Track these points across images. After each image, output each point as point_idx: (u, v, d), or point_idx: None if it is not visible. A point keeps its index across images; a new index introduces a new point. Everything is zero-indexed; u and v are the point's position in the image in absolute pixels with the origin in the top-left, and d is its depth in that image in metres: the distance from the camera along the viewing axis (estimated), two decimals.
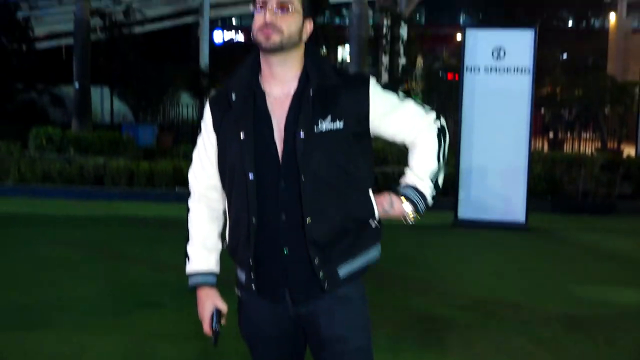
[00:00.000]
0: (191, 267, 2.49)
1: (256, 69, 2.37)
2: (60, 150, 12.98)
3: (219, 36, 42.76)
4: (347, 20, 29.75)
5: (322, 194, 2.29)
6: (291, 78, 2.34)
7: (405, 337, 5.09)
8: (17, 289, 6.09)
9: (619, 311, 5.95)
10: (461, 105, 9.63)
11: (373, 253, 2.45)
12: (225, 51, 40.62)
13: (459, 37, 41.97)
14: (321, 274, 2.31)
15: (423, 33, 25.76)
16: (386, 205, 2.40)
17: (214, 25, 37.00)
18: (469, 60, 9.57)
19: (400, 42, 22.78)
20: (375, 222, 2.41)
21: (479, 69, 9.52)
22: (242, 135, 2.29)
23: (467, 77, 9.57)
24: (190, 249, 2.50)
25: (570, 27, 53.52)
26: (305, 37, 2.34)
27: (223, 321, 2.47)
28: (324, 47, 23.30)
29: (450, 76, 21.19)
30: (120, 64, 21.87)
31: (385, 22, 23.01)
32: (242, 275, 2.43)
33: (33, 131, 13.45)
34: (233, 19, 49.44)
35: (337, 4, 31.50)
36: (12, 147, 12.62)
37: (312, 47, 2.41)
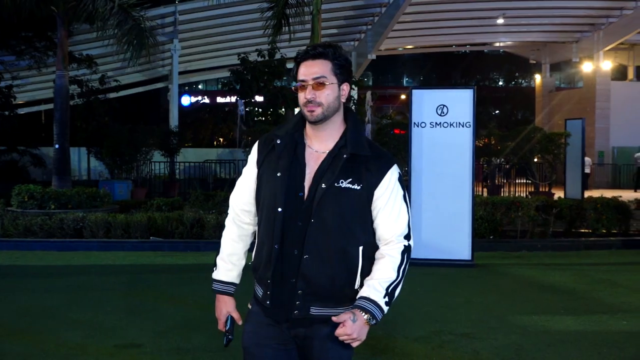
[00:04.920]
0: (215, 275, 2.71)
1: (300, 124, 2.59)
2: (42, 205, 12.70)
3: (187, 100, 42.81)
4: None
5: (322, 238, 2.44)
6: (330, 138, 2.55)
7: None
8: (1, 336, 5.85)
9: (561, 338, 5.96)
10: (410, 156, 9.72)
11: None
12: (192, 113, 40.72)
13: (402, 96, 42.90)
14: (297, 303, 2.47)
15: (371, 94, 26.12)
16: (351, 318, 2.42)
17: (182, 89, 37.07)
18: (416, 116, 9.69)
19: (352, 102, 23.14)
20: (358, 283, 2.51)
21: (425, 124, 9.64)
22: (278, 174, 2.47)
23: (415, 132, 9.68)
24: (218, 260, 2.71)
25: (501, 86, 55.07)
26: (343, 99, 2.54)
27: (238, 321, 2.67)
28: (283, 108, 23.53)
29: (397, 131, 21.52)
30: (96, 126, 21.74)
31: None
32: (259, 291, 2.57)
33: (16, 189, 13.14)
34: (199, 85, 49.70)
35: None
36: None
37: (353, 113, 2.60)
